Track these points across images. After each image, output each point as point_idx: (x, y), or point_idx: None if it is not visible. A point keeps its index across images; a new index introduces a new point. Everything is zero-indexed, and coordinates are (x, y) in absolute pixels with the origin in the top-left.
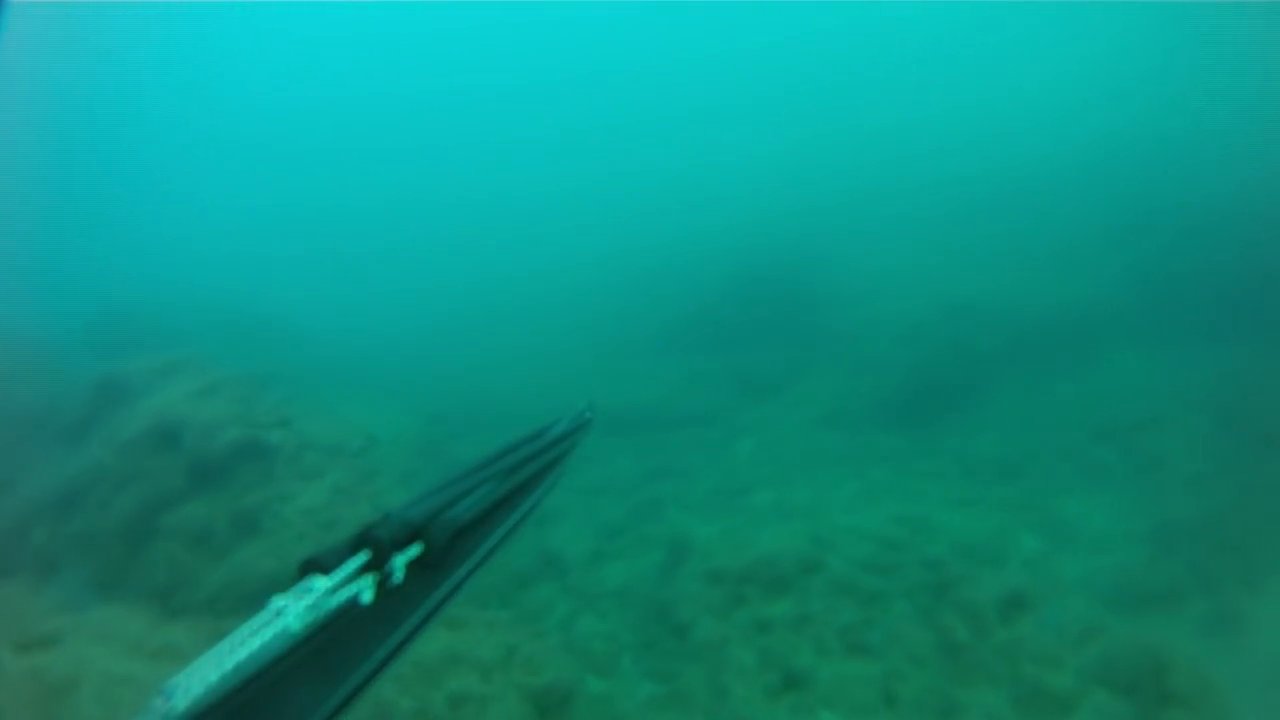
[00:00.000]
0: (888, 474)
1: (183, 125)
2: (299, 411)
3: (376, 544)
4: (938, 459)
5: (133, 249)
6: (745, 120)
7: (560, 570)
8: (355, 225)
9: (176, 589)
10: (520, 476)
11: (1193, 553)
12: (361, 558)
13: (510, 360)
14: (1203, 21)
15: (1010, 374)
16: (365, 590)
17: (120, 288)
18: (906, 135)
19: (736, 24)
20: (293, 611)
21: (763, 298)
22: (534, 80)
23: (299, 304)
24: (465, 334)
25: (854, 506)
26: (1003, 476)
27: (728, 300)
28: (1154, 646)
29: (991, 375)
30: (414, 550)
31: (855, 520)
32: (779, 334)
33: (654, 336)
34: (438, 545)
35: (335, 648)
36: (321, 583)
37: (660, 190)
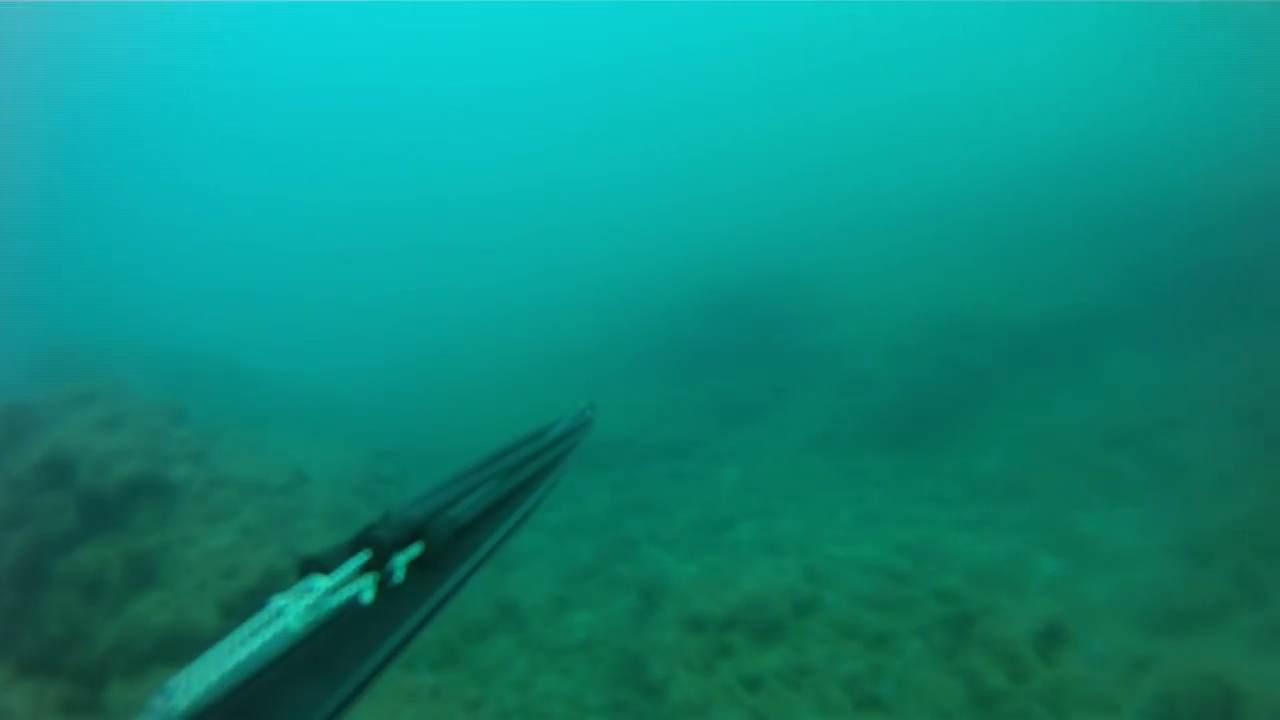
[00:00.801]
0: (885, 498)
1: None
2: (219, 447)
3: (377, 544)
4: (939, 479)
5: (81, 277)
6: (718, 137)
7: (518, 620)
8: (315, 254)
9: (70, 645)
10: (521, 476)
11: (1232, 561)
12: (362, 557)
13: (474, 395)
14: (1179, 24)
15: (1009, 386)
16: (365, 590)
17: (61, 317)
18: (884, 149)
19: (714, 39)
20: (293, 611)
21: (741, 320)
22: (507, 99)
23: (248, 339)
24: (426, 369)
25: (851, 535)
26: (1012, 494)
27: (705, 324)
28: (1215, 674)
29: (989, 388)
30: (414, 550)
31: (853, 551)
32: (760, 357)
33: (628, 365)
34: (438, 545)
35: (335, 648)
36: (322, 582)
37: (630, 212)
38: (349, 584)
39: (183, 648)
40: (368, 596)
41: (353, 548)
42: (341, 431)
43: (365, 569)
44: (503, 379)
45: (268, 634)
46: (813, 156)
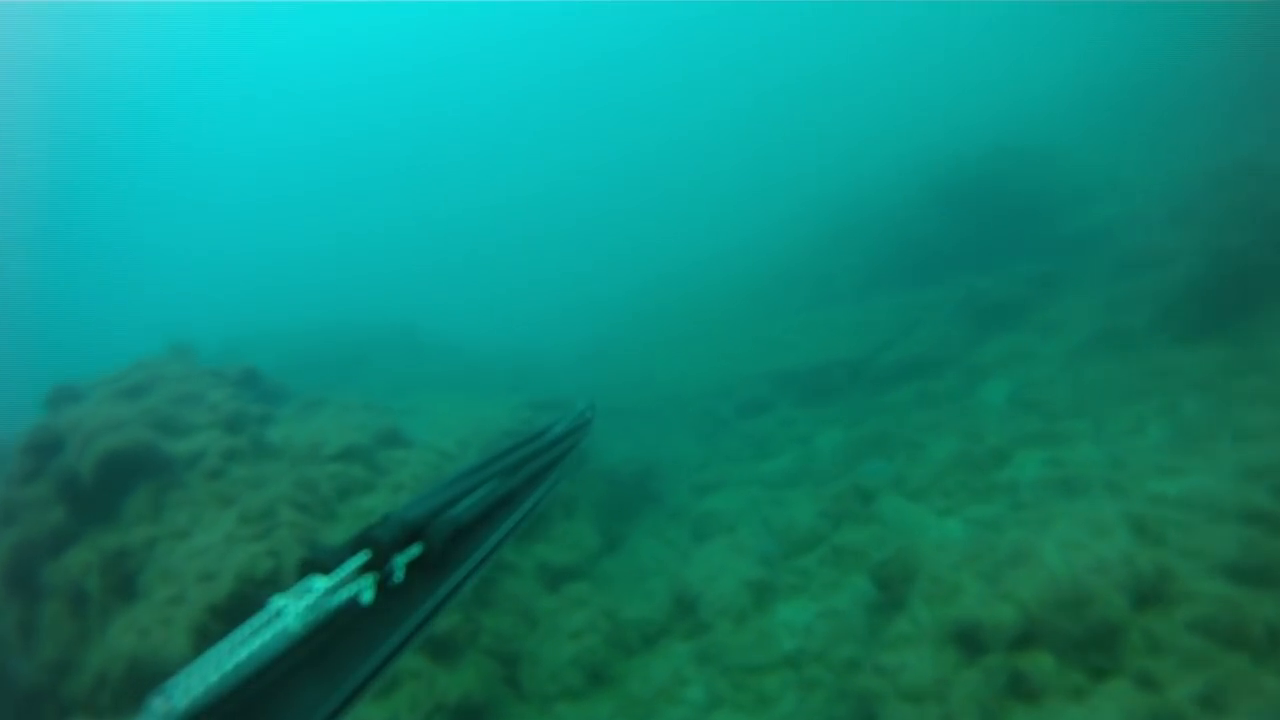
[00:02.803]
0: (1206, 404)
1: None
2: (286, 412)
3: (376, 544)
4: (1274, 374)
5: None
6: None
7: (698, 621)
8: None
9: (64, 673)
10: (520, 476)
11: None
12: (361, 558)
13: (690, 340)
14: None
15: None
16: (365, 590)
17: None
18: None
19: None
20: (292, 611)
21: (983, 209)
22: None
23: (453, 313)
24: (640, 323)
25: (1174, 461)
26: None
27: (942, 219)
28: None
29: None
30: (414, 550)
31: (1186, 484)
32: (1012, 246)
33: (858, 278)
34: (437, 546)
35: (335, 648)
36: (321, 583)
37: (841, 117)
38: (348, 584)
39: (146, 683)
40: (367, 597)
41: (352, 548)
42: (535, 390)
43: (365, 569)
44: (722, 317)
45: (267, 634)
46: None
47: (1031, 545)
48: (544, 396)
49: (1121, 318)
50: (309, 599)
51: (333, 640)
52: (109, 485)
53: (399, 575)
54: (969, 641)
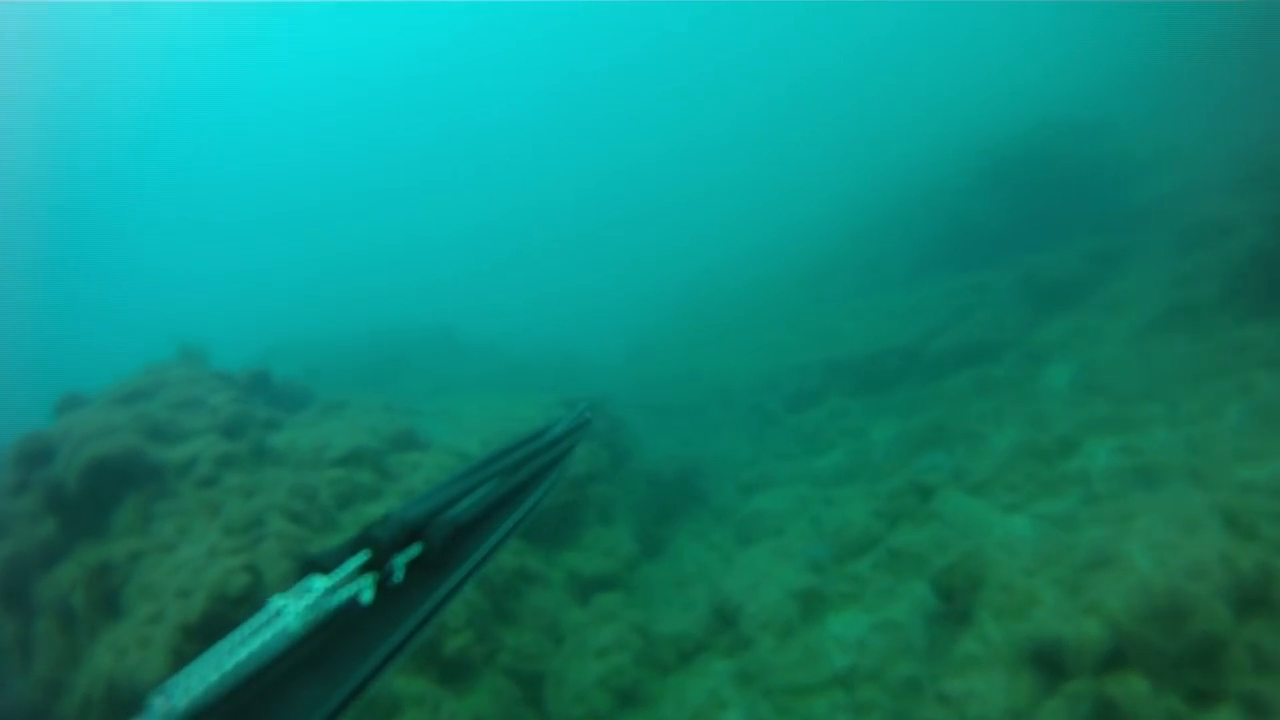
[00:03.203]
0: None
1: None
2: (303, 418)
3: (376, 544)
4: None
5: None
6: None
7: (739, 636)
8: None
9: (57, 694)
10: (520, 476)
11: None
12: (361, 557)
13: (733, 331)
14: None
15: None
16: (365, 590)
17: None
18: None
19: None
20: (292, 611)
21: (1036, 185)
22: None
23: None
24: (682, 319)
25: (1258, 445)
26: None
27: (994, 197)
28: None
29: None
30: (414, 550)
31: (1274, 469)
32: (1069, 222)
33: (909, 262)
34: (437, 545)
35: (335, 647)
36: (321, 582)
37: (882, 100)
38: (348, 584)
39: (124, 708)
40: (367, 596)
41: (352, 548)
42: (574, 388)
43: (365, 569)
44: (768, 309)
45: (267, 634)
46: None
47: (1115, 545)
48: (579, 394)
49: (1189, 292)
50: (309, 599)
51: (333, 640)
52: (97, 495)
53: (399, 575)
54: (1048, 663)
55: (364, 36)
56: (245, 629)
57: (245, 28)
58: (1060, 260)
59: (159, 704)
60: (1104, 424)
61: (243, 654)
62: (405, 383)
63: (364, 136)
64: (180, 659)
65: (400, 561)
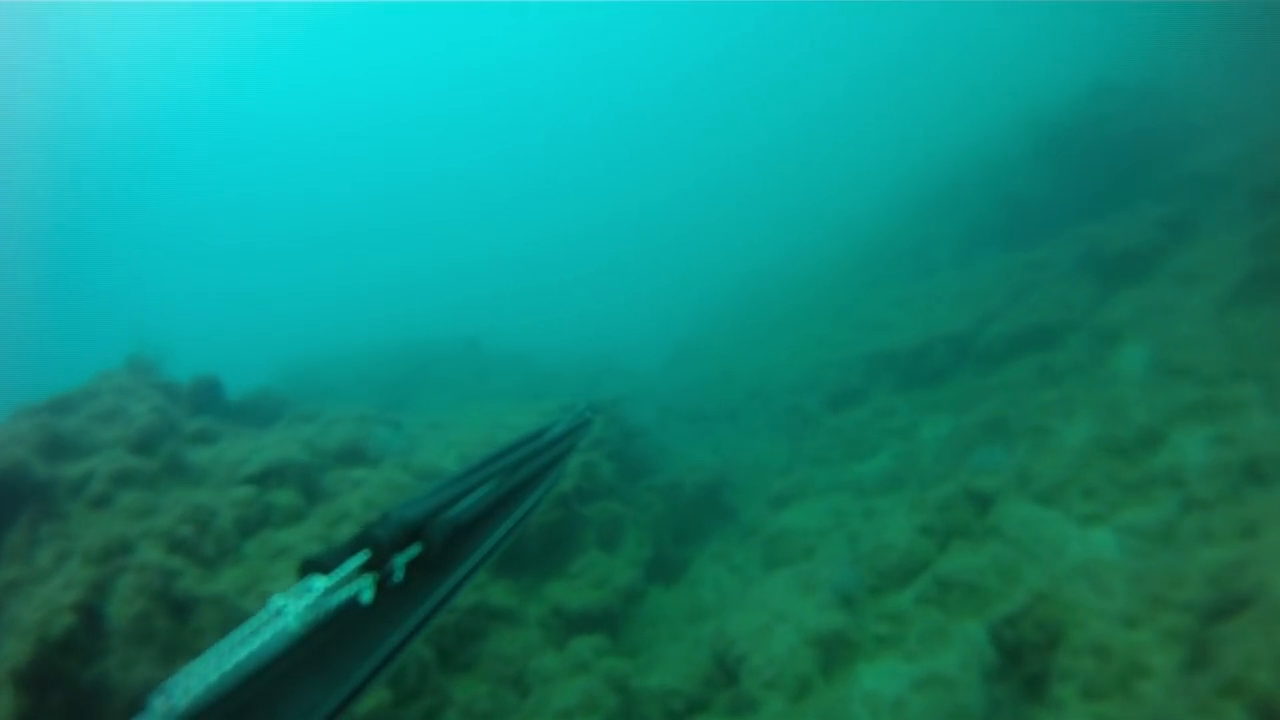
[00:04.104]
0: None
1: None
2: (241, 430)
3: (376, 544)
4: None
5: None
6: None
7: (740, 696)
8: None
9: None
10: (519, 476)
11: None
12: (361, 557)
13: (772, 326)
14: None
15: None
16: (365, 590)
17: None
18: None
19: None
20: (292, 611)
21: (1092, 154)
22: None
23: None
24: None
25: None
26: None
27: (1048, 169)
28: None
29: None
30: (413, 550)
31: None
32: (1131, 190)
33: (958, 243)
34: (436, 545)
35: (335, 647)
36: (321, 582)
37: (924, 82)
38: (348, 584)
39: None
40: (367, 596)
41: (352, 548)
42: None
43: (364, 569)
44: (809, 304)
45: (267, 633)
46: None
47: (1246, 574)
48: (589, 400)
49: (1272, 257)
50: (309, 598)
51: (333, 639)
52: None
53: (399, 575)
54: None
55: (403, 48)
56: (245, 629)
57: (288, 38)
58: (1125, 230)
59: (159, 704)
60: (1192, 410)
61: (243, 654)
62: (426, 395)
63: (403, 156)
64: (19, 713)
65: (400, 561)
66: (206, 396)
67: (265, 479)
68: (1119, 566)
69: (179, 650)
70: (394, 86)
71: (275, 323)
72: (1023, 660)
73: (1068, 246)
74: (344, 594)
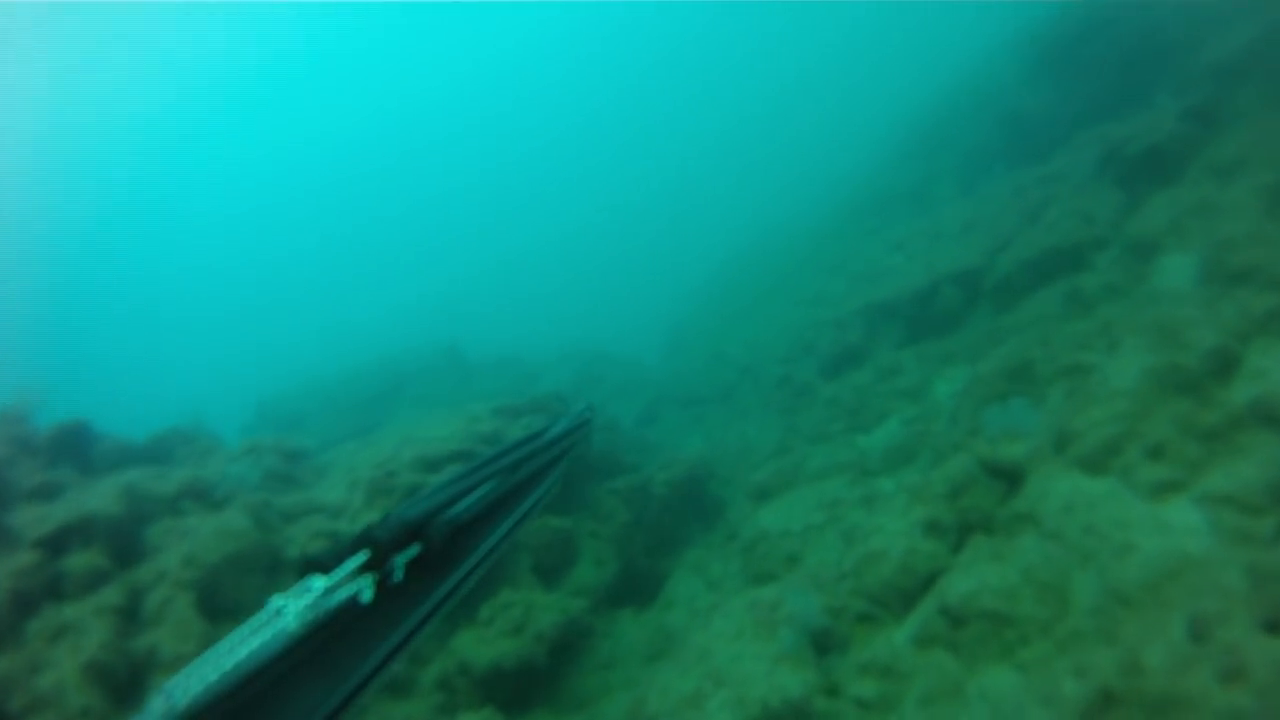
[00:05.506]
0: None
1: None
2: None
3: (376, 544)
4: None
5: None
6: None
7: None
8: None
9: None
10: (519, 476)
11: None
12: (361, 557)
13: (763, 294)
14: None
15: None
16: (365, 589)
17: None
18: None
19: None
20: (291, 611)
21: (1091, 65)
22: None
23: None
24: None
25: None
26: None
27: (1052, 78)
28: None
29: None
30: (413, 550)
31: None
32: (1137, 94)
33: (958, 175)
34: (436, 545)
35: (335, 647)
36: (320, 582)
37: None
38: (348, 583)
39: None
40: (367, 596)
41: (352, 548)
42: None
43: (364, 569)
44: (801, 263)
45: (267, 633)
46: None
47: None
48: (521, 402)
49: None
50: (308, 598)
51: (332, 640)
52: None
53: (398, 575)
54: None
55: (378, 54)
56: (245, 628)
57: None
58: (1145, 127)
59: (159, 704)
60: (1267, 324)
61: (242, 654)
62: (401, 413)
63: (386, 168)
64: None
65: (400, 561)
66: (70, 445)
67: (62, 540)
68: (1226, 568)
69: None
70: (375, 95)
71: (259, 353)
72: None
73: (1083, 151)
74: (343, 594)
